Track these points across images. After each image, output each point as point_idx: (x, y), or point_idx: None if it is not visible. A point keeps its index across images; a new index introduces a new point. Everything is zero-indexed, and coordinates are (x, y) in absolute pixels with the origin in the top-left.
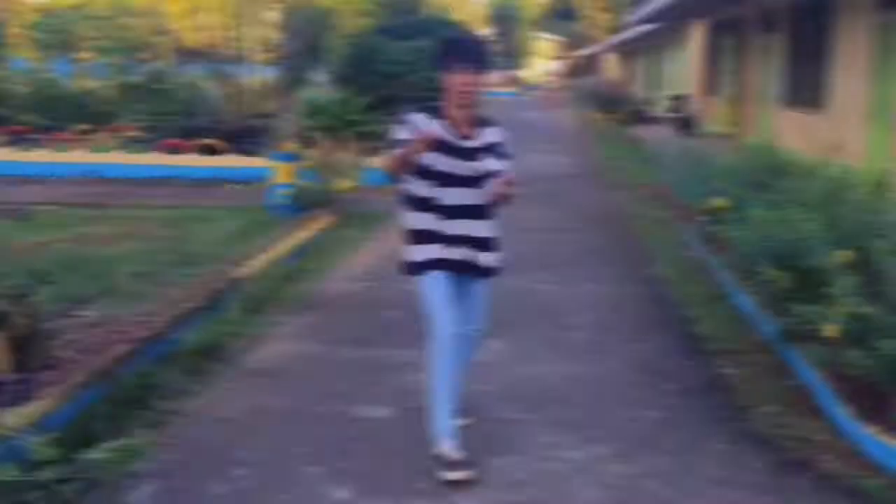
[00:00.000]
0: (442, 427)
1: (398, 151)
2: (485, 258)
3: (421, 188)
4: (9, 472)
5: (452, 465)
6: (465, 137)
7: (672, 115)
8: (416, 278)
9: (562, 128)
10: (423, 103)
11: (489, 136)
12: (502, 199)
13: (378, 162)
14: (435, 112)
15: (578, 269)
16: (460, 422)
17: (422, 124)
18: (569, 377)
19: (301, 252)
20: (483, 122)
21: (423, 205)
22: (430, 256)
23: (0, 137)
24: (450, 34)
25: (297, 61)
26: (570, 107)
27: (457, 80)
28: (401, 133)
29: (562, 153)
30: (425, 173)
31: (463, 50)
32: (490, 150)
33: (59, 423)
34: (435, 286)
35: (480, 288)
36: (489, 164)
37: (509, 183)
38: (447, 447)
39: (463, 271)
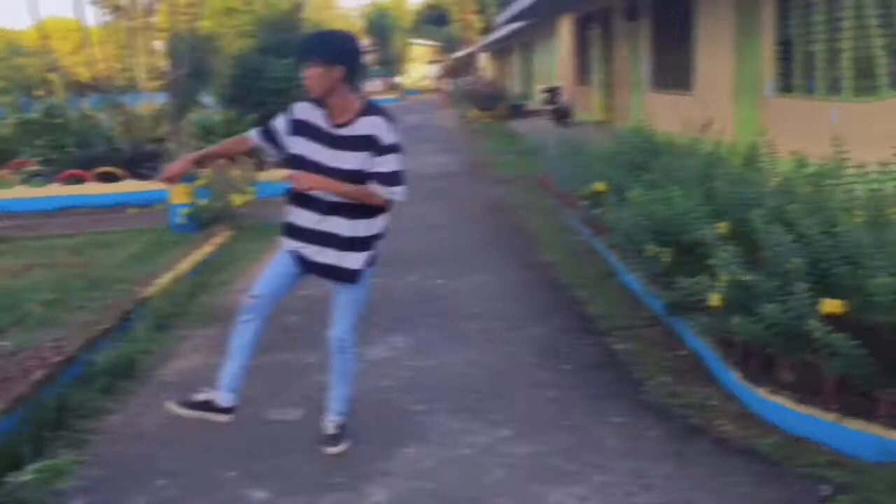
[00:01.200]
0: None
1: (196, 154)
2: (347, 260)
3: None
4: None
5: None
6: (341, 126)
7: (547, 107)
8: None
9: (443, 128)
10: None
11: (367, 126)
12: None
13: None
14: (317, 102)
15: (469, 261)
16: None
17: (299, 112)
18: (468, 366)
19: (203, 267)
20: (367, 112)
21: (295, 197)
22: (290, 248)
23: None
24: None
25: (185, 86)
26: (451, 108)
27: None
28: (279, 120)
29: (445, 152)
30: (297, 164)
31: (300, 48)
32: (366, 142)
33: None
34: (276, 262)
35: (344, 293)
36: (359, 159)
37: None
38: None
39: (323, 274)
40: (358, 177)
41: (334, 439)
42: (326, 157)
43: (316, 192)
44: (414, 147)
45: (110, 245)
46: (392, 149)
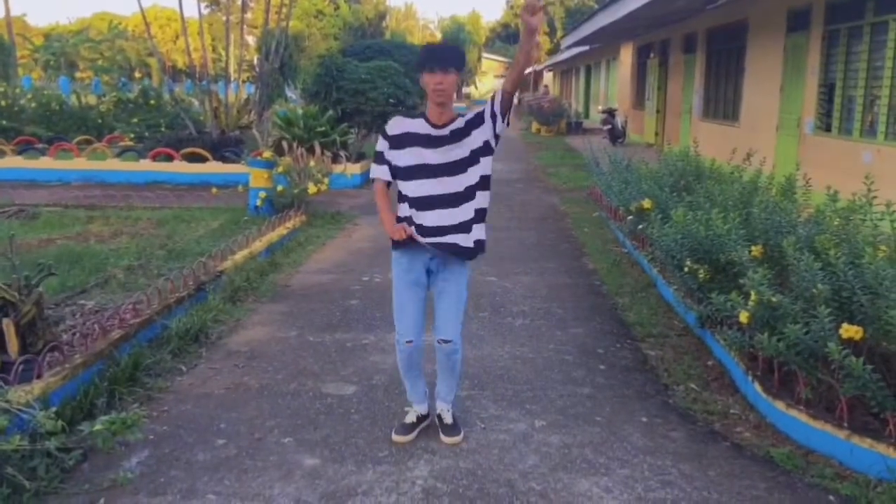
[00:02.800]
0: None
1: (383, 214)
2: (462, 240)
3: (403, 184)
4: (18, 442)
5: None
6: (443, 126)
7: (604, 127)
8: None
9: (507, 138)
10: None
11: (464, 120)
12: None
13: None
14: (415, 114)
15: (521, 262)
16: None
17: (393, 128)
18: (512, 359)
19: (275, 248)
20: (460, 114)
21: (404, 198)
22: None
23: (10, 147)
24: (426, 45)
25: (272, 79)
26: (515, 120)
27: (429, 78)
28: (381, 144)
29: (507, 160)
30: (406, 173)
31: (432, 54)
32: (469, 125)
33: (62, 398)
34: (403, 292)
35: (451, 287)
36: (467, 145)
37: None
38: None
39: (444, 249)
40: (470, 161)
41: (455, 428)
42: (435, 157)
43: (430, 190)
44: None
45: (191, 220)
46: (485, 102)
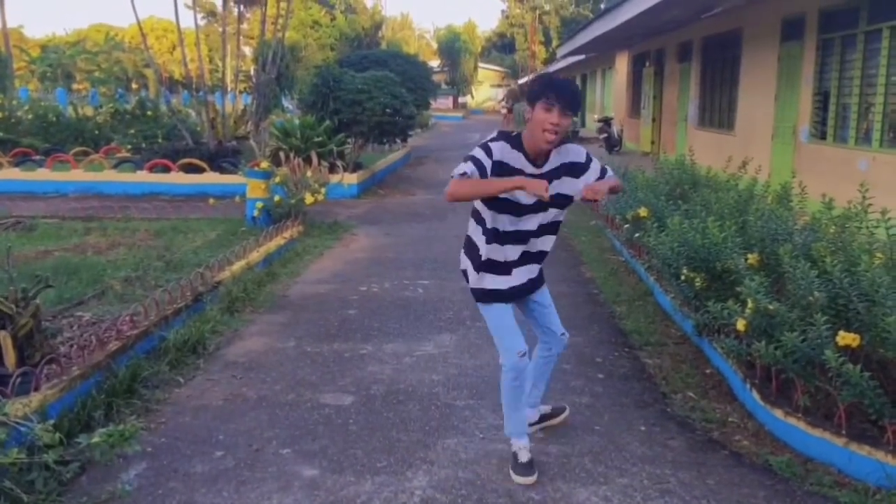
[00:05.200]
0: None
1: (481, 183)
2: (538, 269)
3: (492, 216)
4: (15, 455)
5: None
6: (541, 165)
7: (600, 135)
8: (482, 305)
9: None
10: (505, 132)
11: (561, 157)
12: (596, 197)
13: (456, 188)
14: (516, 142)
15: None
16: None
17: (498, 153)
18: None
19: (273, 258)
20: (558, 149)
21: (494, 234)
22: (497, 287)
23: (7, 159)
24: (549, 76)
25: (269, 90)
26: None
27: (544, 116)
28: (480, 153)
29: None
30: (499, 205)
31: (557, 89)
32: (565, 169)
33: (59, 411)
34: (502, 314)
35: (543, 297)
36: (563, 186)
37: (603, 190)
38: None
39: (529, 290)
40: (559, 202)
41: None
42: (526, 198)
43: (525, 226)
44: None
45: (189, 231)
46: (592, 160)
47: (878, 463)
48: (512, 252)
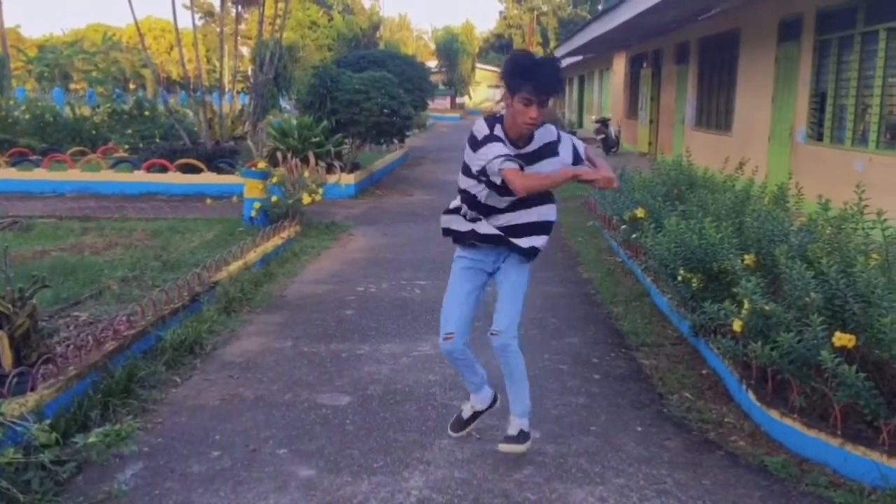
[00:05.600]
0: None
1: (544, 177)
2: (535, 240)
3: (477, 189)
4: (11, 455)
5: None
6: (521, 148)
7: (598, 136)
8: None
9: None
10: (492, 115)
11: (541, 138)
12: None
13: (524, 181)
14: (499, 125)
15: None
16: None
17: (499, 133)
18: None
19: (270, 258)
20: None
21: (475, 204)
22: (458, 228)
23: (4, 159)
24: (523, 56)
25: (267, 90)
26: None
27: (523, 109)
28: (502, 147)
29: None
30: (498, 184)
31: (536, 84)
32: (546, 149)
33: (56, 411)
34: (458, 276)
35: (512, 278)
36: (544, 166)
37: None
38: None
39: (499, 245)
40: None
41: (518, 438)
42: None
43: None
44: None
45: (186, 231)
46: (561, 136)
47: (873, 463)
48: (500, 217)
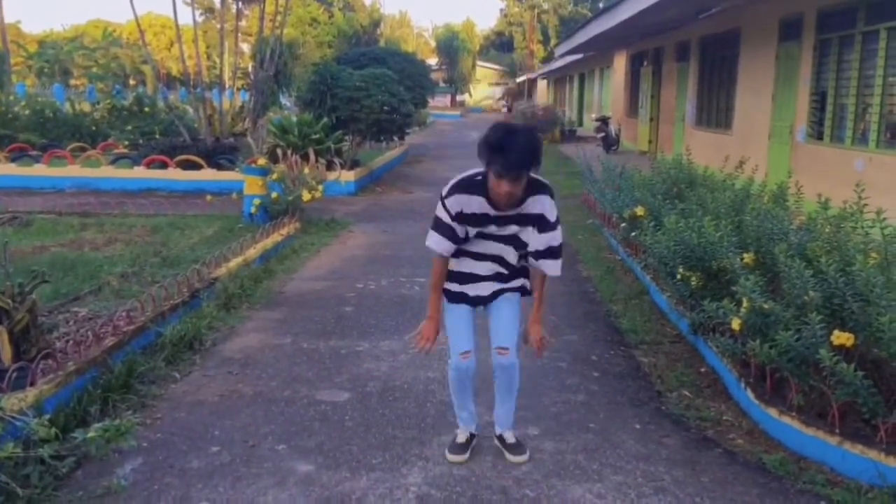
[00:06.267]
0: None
1: (433, 285)
2: (510, 284)
3: (470, 245)
4: (11, 450)
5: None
6: (501, 209)
7: (598, 134)
8: (447, 304)
9: None
10: (468, 178)
11: (533, 205)
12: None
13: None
14: (476, 186)
15: None
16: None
17: (458, 205)
18: None
19: (270, 255)
20: (532, 191)
21: (465, 254)
22: (463, 291)
23: (3, 154)
24: (496, 130)
25: (267, 87)
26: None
27: (497, 183)
28: (442, 214)
29: None
30: (466, 239)
31: (507, 160)
32: (534, 219)
33: (55, 406)
34: (458, 315)
35: (509, 307)
36: (525, 233)
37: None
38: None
39: (496, 295)
40: (516, 238)
41: (521, 447)
42: (495, 230)
43: (491, 250)
44: (472, 162)
45: (186, 227)
46: (557, 224)
47: (870, 461)
48: (479, 267)
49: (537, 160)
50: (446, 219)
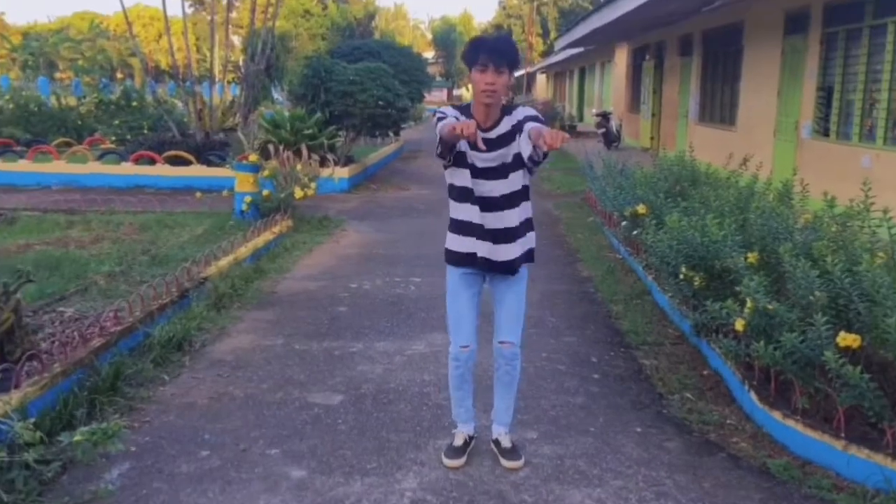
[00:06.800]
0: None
1: (452, 123)
2: (512, 250)
3: (458, 178)
4: None
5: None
6: (489, 129)
7: (599, 130)
8: (448, 268)
9: None
10: (454, 105)
11: (511, 121)
12: (549, 145)
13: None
14: (466, 110)
15: None
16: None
17: (456, 113)
18: None
19: (261, 254)
20: (508, 111)
21: (460, 195)
22: (456, 248)
23: None
24: (479, 36)
25: (258, 81)
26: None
27: (479, 77)
28: (441, 114)
29: None
30: (462, 163)
31: (486, 49)
32: (514, 133)
33: (40, 409)
34: (457, 292)
35: (511, 292)
36: (514, 148)
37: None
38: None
39: (498, 269)
40: (506, 170)
41: (516, 452)
42: (479, 160)
43: (488, 190)
44: None
45: (175, 225)
46: (536, 117)
47: (877, 466)
48: (476, 214)
49: (515, 55)
50: (446, 111)
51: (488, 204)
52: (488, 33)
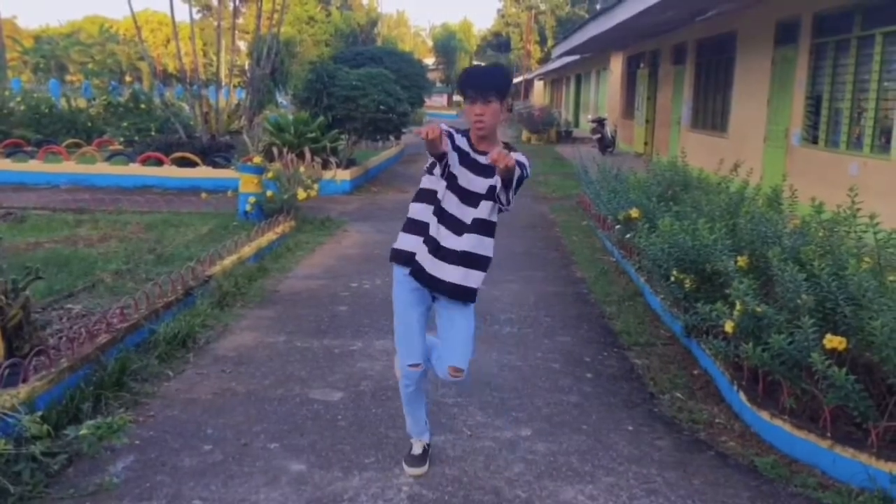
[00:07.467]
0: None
1: (441, 127)
2: (472, 279)
3: (434, 186)
4: (2, 447)
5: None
6: (482, 153)
7: (594, 136)
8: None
9: None
10: (451, 128)
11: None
12: (503, 166)
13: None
14: (463, 131)
15: (509, 270)
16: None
17: (452, 134)
18: (498, 366)
19: (264, 253)
20: (505, 147)
21: (426, 199)
22: (411, 248)
23: None
24: (467, 67)
25: (263, 85)
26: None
27: (468, 109)
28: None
29: None
30: (448, 179)
31: (471, 83)
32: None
33: (48, 402)
34: (406, 304)
35: (461, 319)
36: (492, 181)
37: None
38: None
39: (449, 294)
40: (488, 196)
41: (422, 459)
42: (466, 181)
43: (452, 211)
44: None
45: (180, 225)
46: (523, 165)
47: (861, 465)
48: (434, 224)
49: (502, 83)
50: (442, 127)
51: (451, 222)
52: (476, 66)
